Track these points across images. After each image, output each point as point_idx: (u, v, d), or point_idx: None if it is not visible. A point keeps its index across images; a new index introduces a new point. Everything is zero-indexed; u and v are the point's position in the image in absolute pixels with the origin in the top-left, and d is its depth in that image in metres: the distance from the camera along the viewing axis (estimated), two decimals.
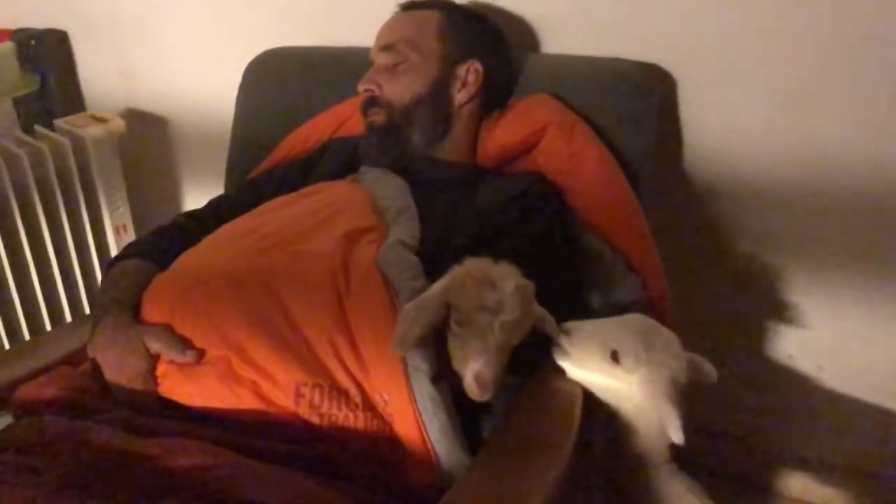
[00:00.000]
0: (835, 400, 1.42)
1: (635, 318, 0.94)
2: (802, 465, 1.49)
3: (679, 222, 1.40)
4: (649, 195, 1.26)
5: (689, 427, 0.88)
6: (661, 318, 1.11)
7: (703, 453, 1.55)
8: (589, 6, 1.32)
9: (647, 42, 1.30)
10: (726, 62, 1.26)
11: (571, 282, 1.10)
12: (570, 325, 0.93)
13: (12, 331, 1.58)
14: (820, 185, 1.28)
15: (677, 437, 0.87)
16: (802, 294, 1.37)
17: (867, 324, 1.34)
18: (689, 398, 0.91)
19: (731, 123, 1.30)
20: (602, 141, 1.19)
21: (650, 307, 1.11)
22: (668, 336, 0.92)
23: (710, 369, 0.97)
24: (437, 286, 0.86)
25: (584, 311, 1.10)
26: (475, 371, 0.80)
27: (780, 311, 1.39)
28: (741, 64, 1.26)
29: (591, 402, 0.94)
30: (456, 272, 0.85)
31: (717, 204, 1.36)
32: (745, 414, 1.52)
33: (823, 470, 1.48)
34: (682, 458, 1.52)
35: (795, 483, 1.51)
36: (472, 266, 0.85)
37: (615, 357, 0.88)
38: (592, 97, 1.23)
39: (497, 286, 0.83)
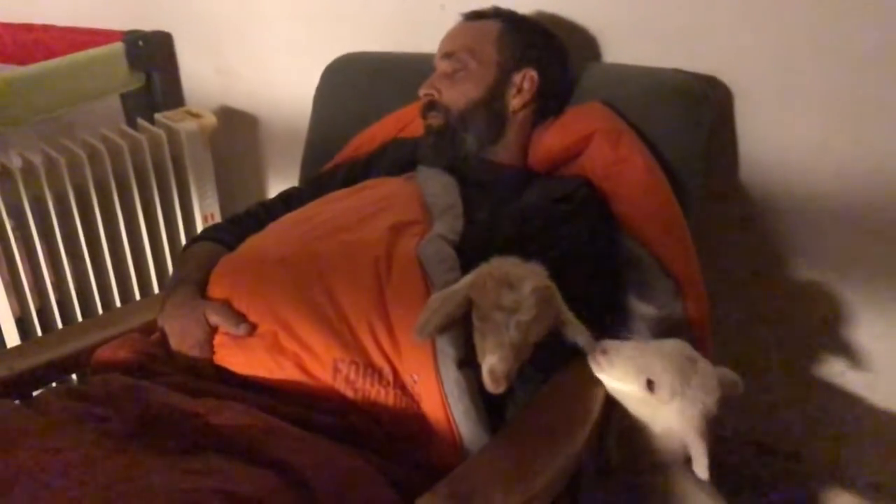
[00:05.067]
0: (888, 419, 1.40)
1: (676, 348, 0.95)
2: (852, 484, 1.47)
3: (732, 236, 1.41)
4: (701, 207, 1.28)
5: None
6: (698, 325, 1.15)
7: (750, 467, 1.56)
8: (651, 18, 1.35)
9: (707, 54, 1.32)
10: (785, 76, 1.27)
11: (608, 284, 1.13)
12: (610, 344, 0.95)
13: (106, 305, 1.74)
14: (876, 203, 1.27)
15: (703, 474, 0.90)
16: (855, 312, 1.35)
17: None
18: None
19: (787, 138, 1.30)
20: (652, 150, 1.22)
21: (685, 313, 1.14)
22: (704, 370, 0.93)
23: (736, 381, 0.99)
24: (462, 282, 0.91)
25: (621, 313, 1.14)
26: (490, 365, 0.86)
27: (831, 328, 1.38)
28: (799, 78, 1.26)
29: (611, 404, 0.98)
30: (480, 270, 0.91)
31: (771, 218, 1.37)
32: (795, 430, 1.51)
33: (872, 490, 1.45)
34: (730, 470, 1.53)
35: (843, 502, 1.49)
36: (496, 265, 0.91)
37: (650, 386, 0.91)
38: (645, 107, 1.26)
39: (515, 287, 0.88)
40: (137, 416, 0.87)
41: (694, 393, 0.91)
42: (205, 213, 1.85)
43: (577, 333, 0.94)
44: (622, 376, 0.93)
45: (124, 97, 1.95)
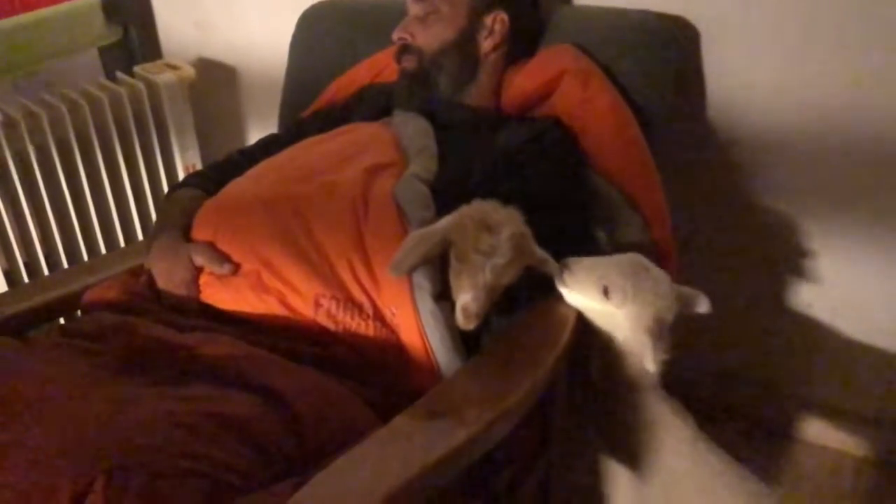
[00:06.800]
0: (851, 346, 1.46)
1: (630, 258, 1.01)
2: (818, 409, 1.54)
3: (700, 172, 1.46)
4: (669, 145, 1.32)
5: (680, 360, 0.97)
6: (665, 258, 1.20)
7: (721, 396, 1.62)
8: None
9: None
10: (748, 14, 1.30)
11: (579, 219, 1.17)
12: (571, 260, 1.00)
13: (93, 253, 1.77)
14: (836, 137, 1.31)
15: (651, 366, 0.95)
16: (819, 243, 1.41)
17: (884, 272, 1.38)
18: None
19: (750, 75, 1.34)
20: (621, 90, 1.25)
21: (654, 248, 1.18)
22: (657, 276, 0.99)
23: (702, 302, 1.02)
24: (442, 223, 0.95)
25: (591, 246, 1.18)
26: (463, 303, 0.91)
27: (797, 260, 1.44)
28: (762, 15, 1.30)
29: (588, 328, 1.03)
30: (461, 212, 0.94)
31: (736, 155, 1.41)
32: (764, 359, 1.57)
33: (838, 414, 1.52)
34: (700, 399, 1.60)
35: (811, 427, 1.56)
36: (476, 209, 0.94)
37: (606, 293, 0.97)
38: (615, 48, 1.29)
39: (493, 231, 0.91)
40: (128, 350, 0.91)
41: (645, 296, 0.96)
42: (186, 164, 1.87)
43: (548, 266, 0.99)
44: (583, 288, 0.98)
45: (102, 51, 1.96)
